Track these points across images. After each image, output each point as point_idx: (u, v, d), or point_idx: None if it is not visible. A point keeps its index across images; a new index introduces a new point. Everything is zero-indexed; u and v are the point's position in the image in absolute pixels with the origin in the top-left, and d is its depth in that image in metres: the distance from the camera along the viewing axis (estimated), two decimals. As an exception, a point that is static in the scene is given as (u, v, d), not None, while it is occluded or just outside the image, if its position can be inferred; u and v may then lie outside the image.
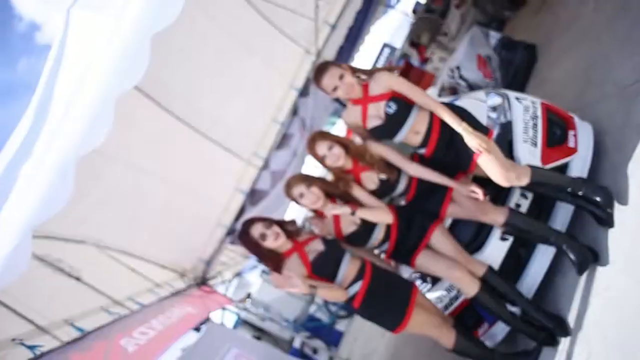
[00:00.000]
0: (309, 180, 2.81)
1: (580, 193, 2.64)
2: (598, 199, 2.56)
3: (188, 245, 6.73)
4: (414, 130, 2.66)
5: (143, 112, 5.86)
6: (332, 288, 2.56)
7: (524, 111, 2.86)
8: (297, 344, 8.60)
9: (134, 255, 6.19)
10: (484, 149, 2.42)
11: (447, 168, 2.75)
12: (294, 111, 6.97)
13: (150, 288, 5.47)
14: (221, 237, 6.94)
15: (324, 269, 2.60)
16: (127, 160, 5.80)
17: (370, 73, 2.76)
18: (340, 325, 9.04)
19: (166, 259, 6.54)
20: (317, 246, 2.69)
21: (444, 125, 2.59)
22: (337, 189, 2.81)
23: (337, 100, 8.03)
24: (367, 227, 2.79)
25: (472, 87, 5.03)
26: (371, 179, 2.85)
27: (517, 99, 2.95)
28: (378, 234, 2.82)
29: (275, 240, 2.61)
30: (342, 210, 2.73)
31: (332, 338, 8.82)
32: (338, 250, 2.71)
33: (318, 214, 2.88)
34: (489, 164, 2.48)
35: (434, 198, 2.80)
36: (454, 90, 5.23)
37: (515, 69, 5.00)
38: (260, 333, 9.48)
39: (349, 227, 2.81)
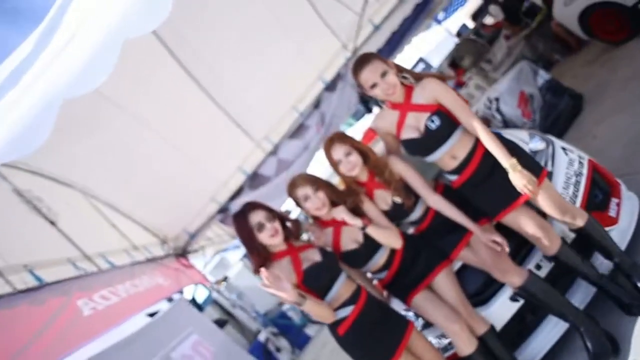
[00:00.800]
0: (317, 183, 2.53)
1: (616, 260, 2.36)
2: (634, 276, 2.29)
3: (176, 213, 6.46)
4: (451, 154, 2.38)
5: (164, 70, 5.61)
6: (321, 304, 2.28)
7: (568, 164, 2.57)
8: (262, 337, 8.33)
9: (119, 211, 5.92)
10: (530, 192, 2.15)
11: (473, 207, 2.47)
12: (316, 104, 6.68)
13: (127, 249, 5.20)
14: (212, 213, 6.68)
15: (316, 281, 2.33)
16: (135, 114, 5.52)
17: (418, 77, 2.47)
18: (311, 330, 8.77)
19: (151, 222, 6.27)
20: (313, 255, 2.42)
21: (487, 156, 2.31)
22: (345, 200, 2.53)
23: (364, 100, 7.78)
24: (369, 248, 2.51)
25: (506, 123, 4.75)
26: (384, 199, 2.56)
27: (564, 149, 2.66)
28: (380, 259, 2.53)
29: (271, 237, 2.36)
30: (353, 221, 2.46)
31: (299, 340, 8.55)
32: (335, 266, 2.45)
33: (318, 222, 2.60)
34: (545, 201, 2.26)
35: (448, 236, 2.51)
36: (486, 123, 4.93)
37: (557, 115, 4.71)
38: (228, 317, 9.22)
39: (349, 243, 2.53)
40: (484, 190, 2.36)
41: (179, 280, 5.41)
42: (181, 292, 5.18)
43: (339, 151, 2.54)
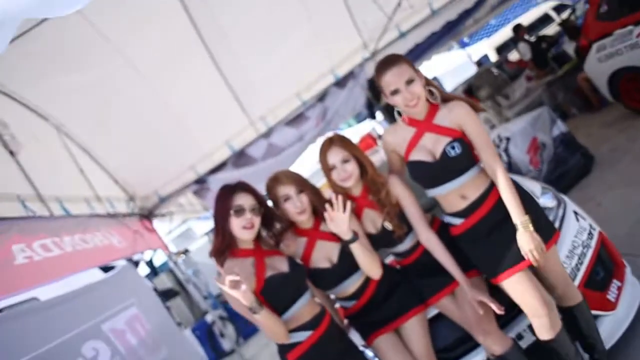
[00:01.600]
0: (302, 184, 2.25)
1: (596, 357, 2.13)
2: None
3: (151, 173, 6.15)
4: (461, 192, 2.11)
5: (174, 23, 5.33)
6: (277, 320, 1.99)
7: (578, 232, 2.33)
8: (208, 319, 8.02)
9: (92, 156, 5.61)
10: (534, 259, 1.92)
11: (469, 258, 2.19)
12: (321, 97, 6.40)
13: (88, 198, 4.87)
14: (188, 182, 6.39)
15: (276, 293, 2.04)
16: (132, 60, 5.20)
17: (447, 97, 2.19)
18: (261, 324, 8.48)
19: (122, 176, 5.96)
20: (280, 264, 2.13)
21: (499, 205, 2.05)
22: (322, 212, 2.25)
23: (370, 105, 7.49)
24: (342, 271, 2.23)
25: (511, 167, 4.51)
26: (373, 221, 2.28)
27: (576, 214, 2.42)
28: (351, 285, 2.25)
29: (243, 228, 2.07)
30: (342, 228, 2.14)
31: (246, 331, 8.26)
32: (302, 281, 2.17)
33: (293, 228, 2.31)
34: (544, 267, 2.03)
35: (432, 278, 2.23)
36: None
37: (566, 171, 4.49)
38: (180, 289, 8.92)
39: (321, 260, 2.24)
40: (484, 245, 2.08)
41: (136, 243, 5.10)
42: (131, 259, 4.84)
43: (336, 155, 2.26)
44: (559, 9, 14.51)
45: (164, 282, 9.21)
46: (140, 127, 5.70)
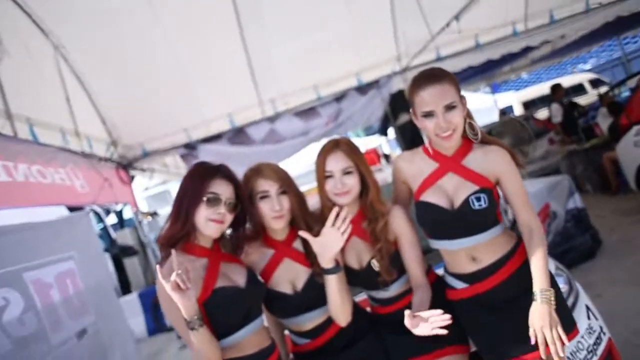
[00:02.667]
0: (288, 185, 1.87)
1: None
2: None
3: (143, 123, 5.78)
4: (473, 252, 1.75)
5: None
6: (214, 346, 1.59)
7: (587, 333, 1.99)
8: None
9: (84, 86, 5.22)
10: (543, 344, 1.56)
11: (464, 330, 1.83)
12: (339, 97, 6.05)
13: (64, 130, 4.48)
14: (177, 143, 6.03)
15: (223, 311, 1.66)
16: (157, 3, 4.83)
17: (487, 140, 1.83)
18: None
19: (111, 117, 5.59)
20: (236, 275, 1.76)
21: (519, 275, 1.71)
22: (308, 225, 1.88)
23: (385, 120, 7.12)
24: (305, 301, 1.86)
25: (513, 226, 4.15)
26: (359, 254, 1.90)
27: (588, 309, 2.08)
28: (309, 321, 1.88)
29: (211, 222, 1.71)
30: (328, 252, 1.79)
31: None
32: (258, 303, 1.81)
33: (263, 235, 1.93)
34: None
35: (407, 339, 1.84)
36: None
37: (570, 248, 4.17)
38: (140, 249, 8.50)
39: (283, 283, 1.86)
40: (488, 322, 1.73)
41: (102, 192, 4.70)
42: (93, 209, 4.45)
43: (338, 162, 1.88)
44: (595, 82, 14.33)
45: (127, 237, 8.80)
46: (144, 73, 5.33)
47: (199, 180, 1.73)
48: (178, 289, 1.50)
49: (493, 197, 1.73)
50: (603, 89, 11.08)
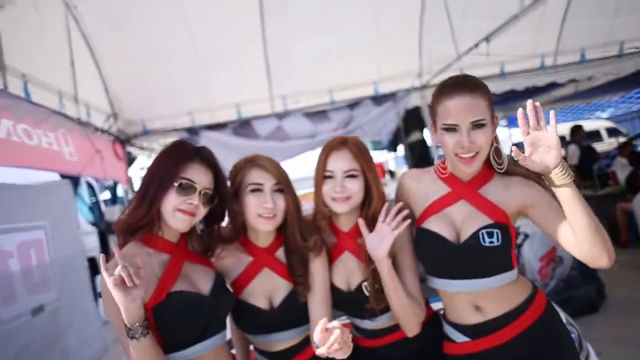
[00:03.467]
0: (286, 183, 1.64)
1: None
2: None
3: (148, 100, 5.58)
4: (476, 300, 1.51)
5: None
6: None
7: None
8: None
9: (92, 53, 5.02)
10: None
11: None
12: (353, 105, 5.84)
13: (62, 93, 4.26)
14: (179, 126, 5.82)
15: (179, 321, 1.40)
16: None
17: (513, 172, 1.57)
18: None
19: (115, 89, 5.38)
20: (201, 281, 1.51)
21: (531, 335, 1.47)
22: (302, 234, 1.65)
23: (396, 136, 6.88)
24: (280, 319, 1.63)
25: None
26: (349, 274, 1.67)
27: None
28: (282, 342, 1.64)
29: (182, 214, 1.45)
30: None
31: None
32: (222, 316, 1.56)
33: (242, 240, 1.70)
34: None
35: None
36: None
37: (571, 297, 3.92)
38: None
39: (258, 296, 1.63)
40: None
41: (91, 165, 4.47)
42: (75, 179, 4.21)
43: (343, 162, 1.63)
44: (611, 131, 14.12)
45: (115, 214, 8.58)
46: (156, 49, 5.14)
47: (173, 161, 1.47)
48: (122, 286, 1.24)
49: (509, 235, 1.49)
50: (620, 139, 10.88)
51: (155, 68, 5.29)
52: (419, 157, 5.97)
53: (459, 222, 1.54)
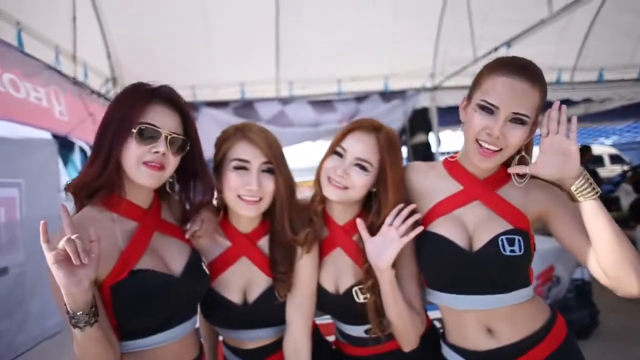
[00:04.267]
0: (279, 161, 1.42)
1: None
2: None
3: (150, 69, 5.21)
4: (489, 322, 1.33)
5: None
6: (106, 351, 1.10)
7: None
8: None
9: (97, 12, 4.82)
10: None
11: None
12: (360, 98, 5.65)
13: (60, 49, 4.06)
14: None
15: (140, 305, 1.18)
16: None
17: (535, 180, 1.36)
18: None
19: (118, 54, 5.18)
20: (173, 256, 1.29)
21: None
22: (291, 225, 1.43)
23: (402, 132, 6.68)
24: (254, 315, 1.44)
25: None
26: (340, 275, 1.46)
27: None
28: (254, 340, 1.46)
29: (146, 167, 1.22)
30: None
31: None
32: (194, 300, 1.36)
33: (221, 221, 1.49)
34: None
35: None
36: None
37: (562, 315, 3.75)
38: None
39: (232, 288, 1.43)
40: None
41: (82, 127, 4.27)
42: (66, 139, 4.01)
43: (362, 147, 1.40)
44: (614, 158, 13.99)
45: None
46: (164, 16, 4.99)
47: (128, 104, 1.22)
48: (65, 264, 0.99)
49: (530, 244, 1.31)
50: (624, 167, 10.76)
51: (161, 36, 5.12)
52: (422, 160, 5.78)
53: (472, 226, 1.35)
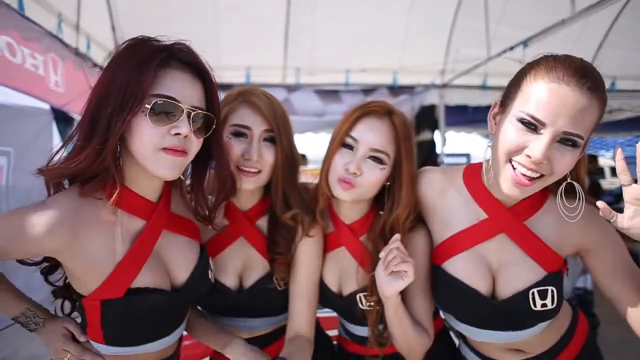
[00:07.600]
0: (281, 129, 1.26)
1: None
2: None
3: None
4: (514, 346, 1.21)
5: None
6: None
7: None
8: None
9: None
10: None
11: None
12: (367, 90, 5.54)
13: (63, 18, 3.92)
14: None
15: (131, 325, 1.03)
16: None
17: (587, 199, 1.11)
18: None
19: (123, 28, 5.03)
20: (180, 262, 1.11)
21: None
22: (287, 202, 1.30)
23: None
24: (250, 303, 1.32)
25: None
26: (343, 276, 1.35)
27: None
28: (251, 330, 1.35)
29: (172, 154, 0.96)
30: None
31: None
32: (192, 304, 1.26)
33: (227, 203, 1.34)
34: None
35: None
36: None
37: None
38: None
39: (227, 271, 1.30)
40: None
41: (79, 101, 4.11)
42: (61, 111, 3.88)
43: (376, 135, 1.22)
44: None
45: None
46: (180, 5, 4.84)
47: (133, 68, 0.91)
48: None
49: (562, 287, 1.13)
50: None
51: (169, 13, 4.99)
52: (426, 158, 5.67)
53: (497, 266, 1.16)
